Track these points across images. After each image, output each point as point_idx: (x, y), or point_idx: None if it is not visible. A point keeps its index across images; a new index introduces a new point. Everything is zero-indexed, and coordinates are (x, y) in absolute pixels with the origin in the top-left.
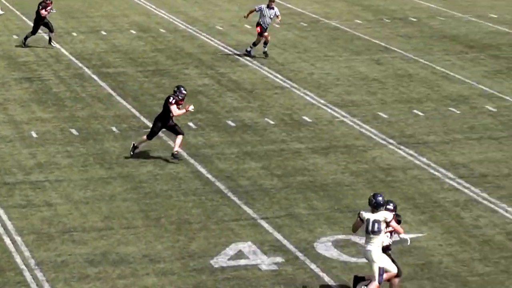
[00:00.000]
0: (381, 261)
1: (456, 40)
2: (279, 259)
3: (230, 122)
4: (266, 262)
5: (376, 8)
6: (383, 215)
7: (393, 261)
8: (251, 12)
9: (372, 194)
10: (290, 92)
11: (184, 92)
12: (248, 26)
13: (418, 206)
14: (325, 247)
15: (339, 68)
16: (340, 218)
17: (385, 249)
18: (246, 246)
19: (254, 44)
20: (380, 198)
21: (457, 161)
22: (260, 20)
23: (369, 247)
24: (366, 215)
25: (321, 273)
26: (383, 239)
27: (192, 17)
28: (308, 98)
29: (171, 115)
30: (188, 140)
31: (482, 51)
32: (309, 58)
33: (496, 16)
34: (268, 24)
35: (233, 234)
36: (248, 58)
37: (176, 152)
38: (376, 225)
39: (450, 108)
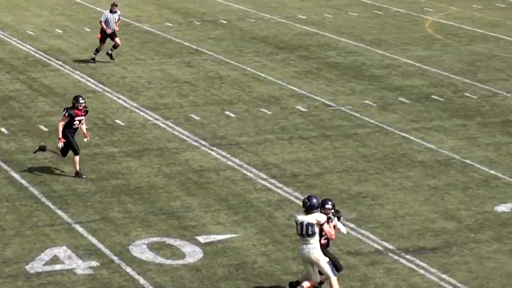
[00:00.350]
0: (324, 258)
1: (266, 41)
2: (94, 263)
3: (42, 127)
4: (81, 267)
5: (186, 11)
6: (316, 217)
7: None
8: (103, 29)
9: (306, 196)
10: (102, 96)
11: (81, 101)
12: (59, 31)
13: (232, 207)
14: (140, 250)
15: (150, 71)
16: (155, 221)
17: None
18: (61, 251)
19: (97, 50)
20: (315, 201)
21: (269, 161)
22: (106, 26)
23: (307, 249)
24: (300, 218)
25: (136, 276)
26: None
27: (2, 22)
28: (120, 101)
29: (73, 127)
30: (1, 145)
31: (292, 52)
32: (121, 62)
33: (304, 17)
34: (113, 29)
35: (48, 239)
36: (59, 62)
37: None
38: (309, 228)
39: (261, 109)
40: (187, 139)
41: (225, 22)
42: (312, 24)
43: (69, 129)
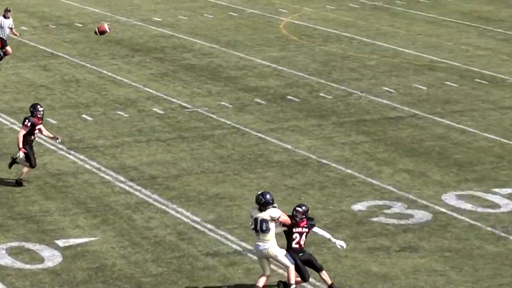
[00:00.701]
0: (281, 251)
1: (122, 44)
2: None
3: None
4: None
5: (42, 15)
6: (269, 213)
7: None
8: None
9: (260, 192)
10: None
11: (40, 109)
12: None
13: (90, 210)
14: None
15: (6, 75)
16: (13, 225)
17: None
18: None
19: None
20: (268, 197)
21: (127, 164)
22: None
23: (265, 246)
24: (254, 214)
25: None
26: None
27: None
28: None
29: (33, 137)
30: None
31: (148, 54)
32: None
33: (159, 19)
34: (7, 36)
35: None
36: None
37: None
38: (263, 224)
39: (118, 112)
40: (44, 143)
41: (80, 25)
42: (167, 26)
43: (29, 138)
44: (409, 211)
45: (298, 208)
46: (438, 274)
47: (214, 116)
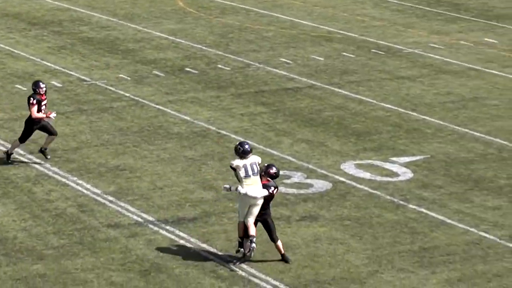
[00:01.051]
0: None
1: (19, 17)
2: None
3: None
4: None
5: None
6: (256, 159)
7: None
8: None
9: (238, 143)
10: None
11: (42, 86)
12: None
13: None
14: None
15: None
16: None
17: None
18: None
19: None
20: (247, 146)
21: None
22: None
23: (259, 188)
24: (239, 162)
25: None
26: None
27: None
28: None
29: (32, 116)
30: None
31: (45, 28)
32: None
33: None
34: None
35: None
36: None
37: (45, 149)
38: (255, 167)
39: (16, 86)
40: None
41: None
42: (64, 0)
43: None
44: (309, 181)
45: (272, 170)
46: (338, 242)
47: (112, 89)
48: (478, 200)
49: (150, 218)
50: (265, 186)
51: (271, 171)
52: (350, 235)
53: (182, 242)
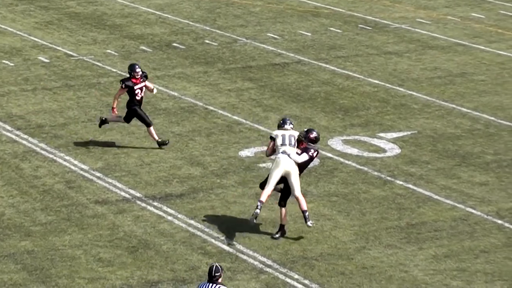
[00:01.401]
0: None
1: None
2: None
3: None
4: None
5: None
6: (294, 132)
7: None
8: None
9: (282, 118)
10: None
11: (138, 70)
12: None
13: None
14: None
15: None
16: None
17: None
18: None
19: None
20: (288, 120)
21: (13, 113)
22: None
23: (289, 159)
24: (279, 132)
25: None
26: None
27: None
28: None
29: (137, 98)
30: None
31: (32, 3)
32: None
33: None
34: None
35: None
36: None
37: (158, 141)
38: (292, 138)
39: (3, 61)
40: None
41: None
42: None
43: (134, 100)
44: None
45: (312, 135)
46: (326, 218)
47: (100, 64)
48: (465, 176)
49: (138, 194)
50: (304, 150)
51: (311, 135)
52: (338, 211)
53: (169, 218)
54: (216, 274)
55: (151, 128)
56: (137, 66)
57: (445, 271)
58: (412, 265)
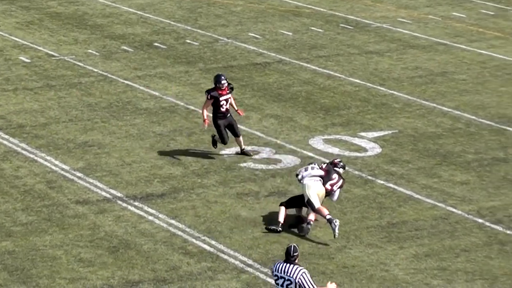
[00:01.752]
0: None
1: None
2: None
3: None
4: None
5: None
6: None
7: None
8: None
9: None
10: None
11: (223, 82)
12: None
13: None
14: None
15: None
16: None
17: None
18: None
19: None
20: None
21: None
22: None
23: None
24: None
25: None
26: None
27: None
28: None
29: (221, 110)
30: None
31: (12, 3)
32: None
33: None
34: None
35: None
36: None
37: (243, 149)
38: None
39: None
40: None
41: None
42: None
43: (219, 112)
44: (277, 156)
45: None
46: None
47: (81, 64)
48: (446, 175)
49: (119, 194)
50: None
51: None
52: None
53: (150, 218)
54: (295, 254)
55: (240, 138)
56: (222, 77)
57: (426, 270)
58: (393, 264)
